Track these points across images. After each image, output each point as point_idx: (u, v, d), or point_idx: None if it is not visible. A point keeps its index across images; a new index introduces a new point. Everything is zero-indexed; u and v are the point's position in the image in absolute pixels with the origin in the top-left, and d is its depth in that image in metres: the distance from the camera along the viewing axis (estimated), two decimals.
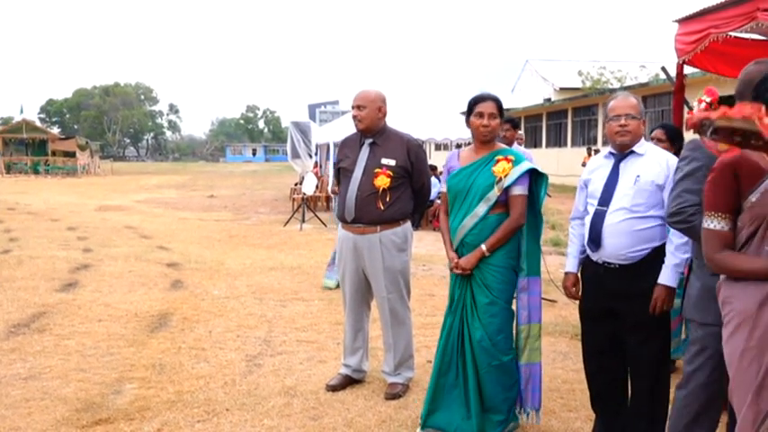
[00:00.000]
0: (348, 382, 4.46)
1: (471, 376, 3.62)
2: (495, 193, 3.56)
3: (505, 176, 3.55)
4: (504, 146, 3.84)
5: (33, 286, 7.42)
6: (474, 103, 3.66)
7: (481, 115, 3.62)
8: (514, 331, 3.69)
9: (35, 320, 5.98)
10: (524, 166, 3.59)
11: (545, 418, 3.85)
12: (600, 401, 3.57)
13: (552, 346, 5.28)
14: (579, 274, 3.53)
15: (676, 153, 4.35)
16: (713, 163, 2.47)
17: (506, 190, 3.57)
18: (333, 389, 4.36)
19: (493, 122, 3.62)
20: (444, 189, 3.85)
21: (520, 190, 3.59)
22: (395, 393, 4.28)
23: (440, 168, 7.90)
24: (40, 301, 6.71)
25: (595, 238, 3.27)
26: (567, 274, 3.58)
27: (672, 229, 3.10)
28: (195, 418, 3.92)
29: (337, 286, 7.45)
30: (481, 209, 3.58)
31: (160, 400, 4.17)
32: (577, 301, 3.57)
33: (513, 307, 3.69)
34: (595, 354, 3.50)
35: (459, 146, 23.16)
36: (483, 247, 3.56)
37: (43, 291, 7.21)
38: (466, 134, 17.32)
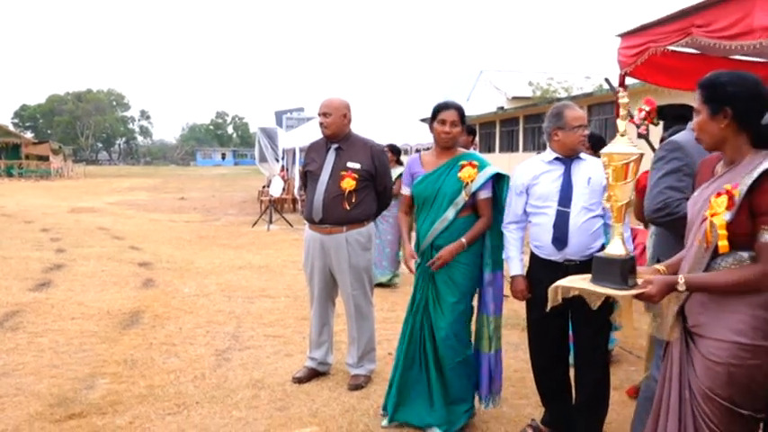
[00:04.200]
0: (313, 374, 4.44)
1: (433, 371, 3.61)
2: (463, 198, 3.55)
3: (472, 181, 3.54)
4: (465, 150, 3.83)
5: (6, 286, 7.21)
6: (437, 110, 3.65)
7: (443, 122, 3.61)
8: (484, 322, 3.66)
9: (8, 319, 5.82)
10: (489, 170, 3.59)
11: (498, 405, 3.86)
12: (550, 396, 3.59)
13: (504, 338, 5.31)
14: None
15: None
16: (694, 163, 2.49)
17: (473, 194, 3.57)
18: (299, 381, 4.34)
19: (454, 130, 3.61)
20: (407, 192, 3.83)
21: (486, 194, 3.60)
22: (358, 384, 4.28)
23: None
24: (13, 301, 6.53)
25: (561, 237, 3.26)
26: (515, 277, 3.48)
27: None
28: (166, 411, 3.86)
29: (390, 280, 7.56)
30: (450, 213, 3.57)
31: (132, 395, 4.09)
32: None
33: (475, 301, 3.69)
34: (547, 351, 3.52)
35: (418, 151, 23.27)
36: (462, 239, 3.54)
37: (17, 290, 7.02)
38: (425, 139, 17.40)
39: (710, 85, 2.16)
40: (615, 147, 2.36)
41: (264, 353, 4.97)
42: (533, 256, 3.45)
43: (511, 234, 3.51)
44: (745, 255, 2.06)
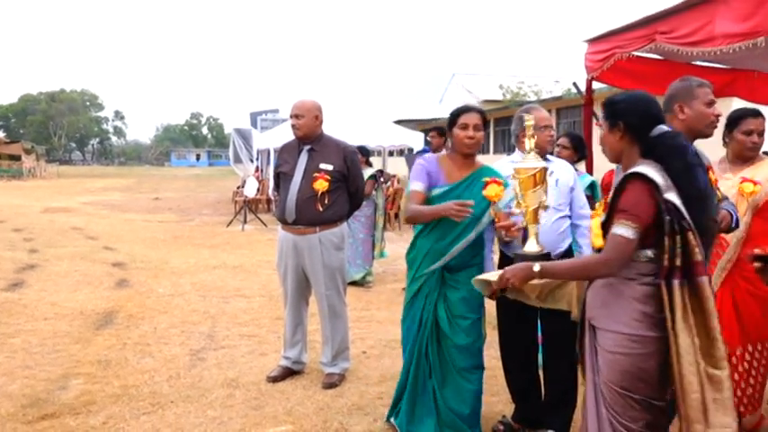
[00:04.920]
0: (288, 373, 4.43)
1: (440, 391, 3.37)
2: (488, 217, 3.25)
3: (499, 200, 3.24)
4: (483, 163, 3.46)
5: None
6: (458, 114, 3.33)
7: (466, 127, 3.29)
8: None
9: None
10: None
11: None
12: (521, 394, 3.63)
13: None
14: None
15: (579, 160, 4.50)
16: None
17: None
18: (273, 380, 4.32)
19: (478, 134, 3.29)
20: (420, 189, 3.34)
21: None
22: (332, 383, 4.27)
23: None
24: None
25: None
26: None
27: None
28: (141, 411, 3.82)
29: (363, 279, 7.55)
30: (473, 234, 3.25)
31: (105, 395, 4.04)
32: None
33: None
34: (516, 352, 3.57)
35: (391, 153, 23.22)
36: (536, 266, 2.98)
37: None
38: (398, 141, 17.43)
39: (609, 103, 2.41)
40: (523, 163, 2.76)
41: (239, 352, 4.94)
42: (503, 256, 3.49)
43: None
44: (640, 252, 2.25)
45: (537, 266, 2.38)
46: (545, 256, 2.60)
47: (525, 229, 2.89)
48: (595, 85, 5.81)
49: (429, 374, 3.39)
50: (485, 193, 3.24)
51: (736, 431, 2.16)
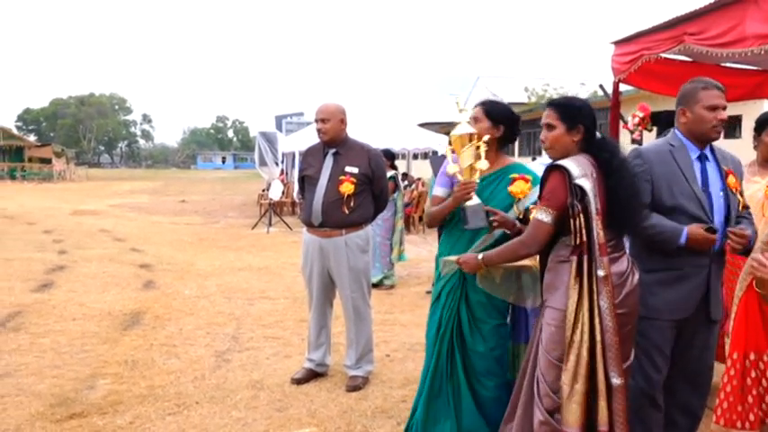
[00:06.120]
0: (312, 375, 4.43)
1: (466, 399, 3.21)
2: (513, 215, 3.12)
3: (524, 197, 3.14)
4: (513, 160, 3.38)
5: (9, 287, 7.20)
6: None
7: (474, 120, 3.26)
8: (522, 352, 3.14)
9: (10, 320, 5.81)
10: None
11: None
12: None
13: None
14: None
15: None
16: (651, 169, 2.81)
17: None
18: (297, 382, 4.33)
19: (476, 126, 3.20)
20: (440, 194, 3.33)
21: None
22: (356, 385, 4.27)
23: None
24: (15, 301, 6.52)
25: None
26: None
27: None
28: (166, 411, 3.85)
29: (381, 281, 7.54)
30: (498, 230, 3.11)
31: (132, 395, 4.08)
32: None
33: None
34: None
35: (416, 156, 23.18)
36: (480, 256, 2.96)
37: (19, 291, 7.01)
38: (422, 144, 17.40)
39: (570, 106, 2.65)
40: (456, 130, 3.17)
41: (264, 354, 4.97)
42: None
43: None
44: (566, 239, 2.55)
45: (480, 256, 2.81)
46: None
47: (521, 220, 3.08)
48: (622, 87, 5.75)
49: (449, 376, 3.23)
50: (510, 189, 3.17)
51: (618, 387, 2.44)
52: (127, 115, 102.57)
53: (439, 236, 3.53)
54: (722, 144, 3.06)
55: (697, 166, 2.86)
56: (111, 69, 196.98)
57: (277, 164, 15.56)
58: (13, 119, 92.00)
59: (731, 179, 2.88)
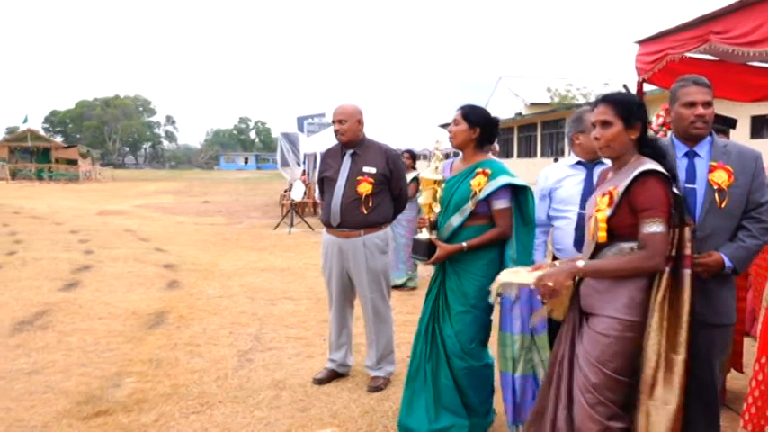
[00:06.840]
0: (333, 375, 4.45)
1: (441, 380, 3.44)
2: (469, 206, 3.35)
3: (480, 190, 3.33)
4: (491, 157, 3.58)
5: (37, 286, 7.33)
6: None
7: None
8: (507, 341, 3.31)
9: (39, 318, 5.91)
10: (499, 180, 3.32)
11: (497, 420, 3.67)
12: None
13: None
14: None
15: None
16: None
17: (487, 203, 3.34)
18: (319, 382, 4.35)
19: (453, 129, 3.48)
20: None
21: (501, 204, 3.34)
22: (377, 386, 4.28)
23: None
24: (43, 300, 6.63)
25: (583, 241, 3.21)
26: None
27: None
28: (190, 410, 3.89)
29: (405, 283, 7.60)
30: (455, 220, 3.38)
31: (157, 393, 4.13)
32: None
33: (494, 316, 3.45)
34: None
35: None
36: (464, 243, 3.34)
37: (46, 290, 7.13)
38: (444, 145, 17.37)
39: (630, 103, 2.50)
40: (425, 173, 3.52)
41: (286, 354, 5.00)
42: (555, 261, 3.42)
43: (535, 239, 3.47)
44: (625, 246, 2.40)
45: (581, 264, 2.46)
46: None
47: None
48: (646, 87, 5.69)
49: (428, 357, 3.51)
50: (471, 182, 3.40)
51: (678, 408, 2.32)
52: (151, 117, 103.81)
53: None
54: (751, 143, 3.02)
55: (683, 164, 2.84)
56: (136, 71, 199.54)
57: (299, 164, 15.62)
58: (41, 120, 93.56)
59: (717, 174, 2.79)
